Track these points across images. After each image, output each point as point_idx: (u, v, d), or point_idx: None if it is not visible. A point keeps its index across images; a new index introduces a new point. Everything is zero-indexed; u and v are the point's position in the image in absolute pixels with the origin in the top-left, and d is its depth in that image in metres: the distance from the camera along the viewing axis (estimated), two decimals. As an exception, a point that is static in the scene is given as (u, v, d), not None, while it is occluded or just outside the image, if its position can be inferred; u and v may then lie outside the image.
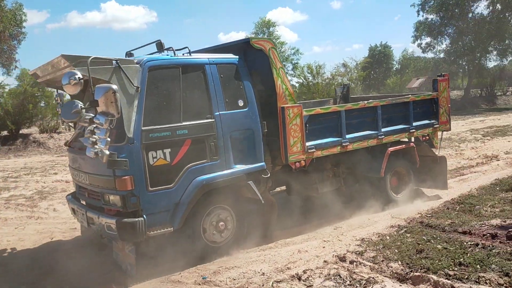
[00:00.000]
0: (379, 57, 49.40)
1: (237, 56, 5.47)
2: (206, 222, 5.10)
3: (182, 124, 4.80)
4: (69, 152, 5.63)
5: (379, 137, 6.64)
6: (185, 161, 4.83)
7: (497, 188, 7.38)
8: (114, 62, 4.33)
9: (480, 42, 33.13)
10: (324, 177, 6.46)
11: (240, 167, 5.25)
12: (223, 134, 5.10)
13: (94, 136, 4.07)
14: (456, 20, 33.35)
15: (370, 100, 6.80)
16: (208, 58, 5.21)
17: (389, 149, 6.82)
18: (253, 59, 5.53)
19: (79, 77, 3.98)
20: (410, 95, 7.46)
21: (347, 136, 6.26)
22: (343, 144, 6.22)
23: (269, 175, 5.57)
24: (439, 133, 7.62)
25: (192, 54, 5.22)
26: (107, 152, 4.14)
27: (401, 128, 7.01)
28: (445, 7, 32.50)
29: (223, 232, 5.23)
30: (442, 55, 36.26)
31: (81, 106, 4.07)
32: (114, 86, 4.05)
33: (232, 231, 5.31)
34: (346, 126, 6.24)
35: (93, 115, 4.05)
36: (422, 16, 35.22)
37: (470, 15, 33.61)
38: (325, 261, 4.60)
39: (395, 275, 4.14)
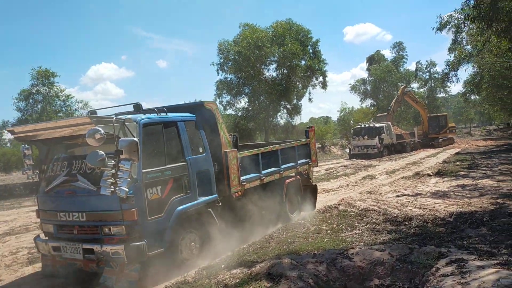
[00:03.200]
0: None
1: (194, 115, 7.18)
2: (182, 243, 6.43)
3: (167, 166, 6.24)
4: (47, 198, 6.35)
5: (280, 172, 9.25)
6: (170, 195, 6.22)
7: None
8: (118, 119, 5.49)
9: (271, 102, 35.91)
10: (252, 202, 8.31)
11: (202, 198, 6.85)
12: (192, 173, 6.67)
13: (112, 178, 5.06)
14: (251, 80, 35.46)
15: (273, 145, 9.43)
16: (178, 116, 6.81)
17: (286, 181, 9.36)
18: (203, 116, 7.27)
19: (102, 133, 4.99)
20: (295, 141, 10.29)
21: (263, 171, 8.64)
22: (261, 177, 8.60)
23: (220, 203, 7.38)
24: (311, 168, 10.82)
25: (161, 113, 6.57)
26: (127, 190, 5.15)
27: (292, 165, 9.73)
28: (241, 68, 34.23)
29: (193, 250, 6.65)
30: (239, 113, 37.97)
31: (105, 155, 5.06)
32: (136, 139, 5.26)
33: (198, 248, 6.74)
34: (262, 165, 8.59)
35: (116, 162, 5.09)
36: (221, 75, 36.40)
37: (263, 76, 36.33)
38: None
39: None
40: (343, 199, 11.58)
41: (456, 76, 20.82)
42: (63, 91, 31.03)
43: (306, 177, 10.50)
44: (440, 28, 20.55)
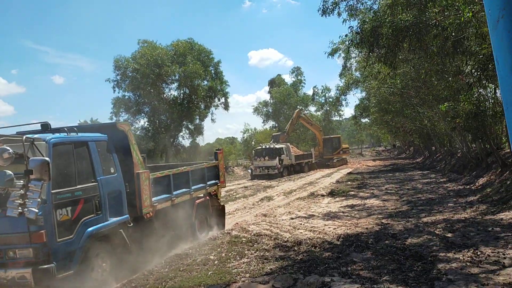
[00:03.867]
0: None
1: (106, 135, 7.02)
2: (95, 264, 6.25)
3: (77, 187, 6.07)
4: None
5: (191, 192, 9.28)
6: (81, 216, 6.03)
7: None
8: (28, 139, 5.40)
9: (172, 121, 34.83)
10: (163, 223, 8.26)
11: (114, 219, 6.68)
12: (103, 194, 6.50)
13: (20, 199, 4.94)
14: (151, 99, 34.08)
15: (184, 167, 9.50)
16: (89, 136, 6.67)
17: (196, 201, 9.51)
18: (116, 137, 7.20)
19: (11, 152, 5.02)
20: (204, 163, 10.56)
21: (174, 192, 8.65)
22: (172, 198, 8.59)
23: (132, 224, 7.18)
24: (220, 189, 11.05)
25: (71, 132, 6.39)
26: (36, 211, 5.02)
27: (201, 185, 9.85)
28: (139, 86, 32.73)
29: (104, 271, 6.44)
30: (138, 132, 36.13)
31: (13, 175, 4.99)
32: (47, 159, 5.19)
33: (108, 269, 6.52)
34: (173, 186, 8.64)
35: (26, 182, 4.98)
36: (118, 92, 34.45)
37: (164, 95, 35.14)
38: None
39: None
40: (237, 223, 11.15)
41: (345, 100, 22.07)
42: None
43: (215, 197, 10.69)
44: (332, 53, 21.74)
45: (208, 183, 10.13)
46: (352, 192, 16.06)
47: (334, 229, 9.37)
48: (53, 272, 5.42)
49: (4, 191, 5.31)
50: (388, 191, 15.72)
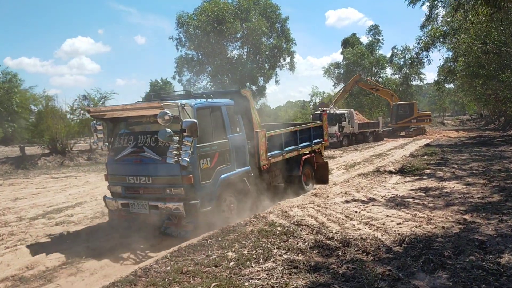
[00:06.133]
0: (160, 92, 46.00)
1: (232, 100, 8.44)
2: (224, 204, 7.73)
3: (214, 142, 7.54)
4: (116, 165, 7.68)
5: (299, 150, 10.58)
6: (216, 165, 7.52)
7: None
8: (180, 104, 6.70)
9: (235, 82, 33.26)
10: (275, 174, 9.92)
11: (239, 169, 8.15)
12: (231, 148, 7.95)
13: (176, 151, 6.33)
14: (213, 58, 32.64)
15: (294, 127, 10.77)
16: (221, 101, 8.10)
17: (303, 157, 10.76)
18: (239, 101, 8.54)
19: (170, 115, 6.30)
20: (311, 123, 11.90)
21: (285, 149, 9.91)
22: (284, 154, 9.86)
23: (252, 174, 8.60)
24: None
25: (208, 99, 7.83)
26: (188, 160, 6.47)
27: (307, 144, 11.09)
28: (201, 44, 31.29)
29: (232, 210, 7.93)
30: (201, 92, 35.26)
31: (171, 132, 6.29)
32: (195, 120, 6.55)
33: (235, 209, 8.02)
34: (284, 143, 9.91)
35: (181, 138, 6.36)
36: (181, 51, 33.40)
37: (227, 54, 33.51)
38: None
39: None
40: (279, 203, 9.33)
41: (428, 57, 18.54)
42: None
43: (319, 154, 11.80)
44: (413, 0, 18.03)
45: (314, 141, 11.38)
46: (428, 170, 13.38)
47: (398, 224, 7.19)
48: (198, 207, 6.98)
49: (163, 144, 6.90)
50: (474, 172, 12.83)
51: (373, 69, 50.75)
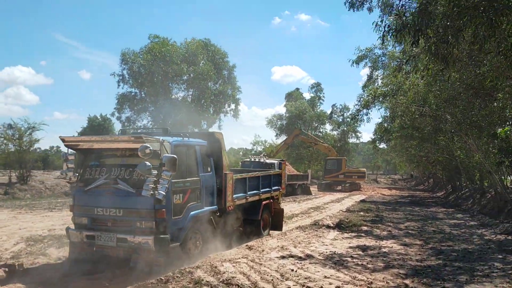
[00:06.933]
0: (97, 128, 43.50)
1: (206, 141, 8.87)
2: (190, 242, 7.88)
3: (187, 179, 7.82)
4: (85, 195, 7.63)
5: (260, 194, 11.01)
6: (187, 201, 7.78)
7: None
8: (161, 140, 7.00)
9: (177, 124, 32.35)
10: (237, 217, 10.04)
11: (207, 208, 8.46)
12: (202, 187, 8.28)
13: (153, 184, 6.53)
14: (158, 98, 31.72)
15: (257, 172, 11.56)
16: (195, 141, 8.56)
17: (263, 202, 11.10)
18: (211, 142, 8.94)
19: (151, 149, 6.58)
20: (271, 171, 12.87)
21: (248, 192, 10.38)
22: (247, 197, 10.29)
23: (218, 213, 9.02)
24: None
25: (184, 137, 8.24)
26: (164, 194, 6.70)
27: (267, 189, 11.51)
28: (144, 83, 30.40)
29: (197, 247, 8.12)
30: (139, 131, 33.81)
31: (151, 166, 6.55)
32: (175, 156, 6.79)
33: (200, 247, 8.20)
34: (248, 187, 10.37)
35: (160, 172, 6.60)
36: (123, 88, 32.22)
37: (172, 96, 32.78)
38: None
39: None
40: (209, 256, 8.42)
41: (367, 115, 19.17)
42: None
43: (277, 201, 12.18)
44: (358, 60, 18.91)
45: (273, 188, 11.82)
46: (365, 227, 13.14)
47: (337, 287, 6.55)
48: (168, 242, 7.02)
49: (138, 177, 7.04)
50: (409, 231, 12.78)
51: (314, 123, 52.32)
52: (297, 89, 58.18)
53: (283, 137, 55.04)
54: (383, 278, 7.14)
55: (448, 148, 20.62)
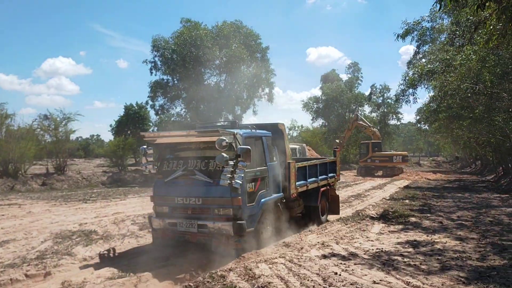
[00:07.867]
0: (133, 116, 43.97)
1: (270, 132, 9.35)
2: (262, 226, 8.42)
3: (257, 168, 8.31)
4: (165, 186, 8.26)
5: (318, 182, 11.48)
6: (258, 189, 8.29)
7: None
8: (235, 133, 7.55)
9: (210, 110, 31.84)
10: (299, 204, 10.44)
11: (275, 195, 9.00)
12: (269, 175, 8.77)
13: (230, 174, 7.06)
14: (190, 84, 31.22)
15: (315, 160, 12.19)
16: (262, 132, 9.00)
17: (321, 189, 11.57)
18: (275, 133, 9.58)
19: (227, 142, 7.11)
20: (327, 158, 13.10)
21: (308, 180, 10.85)
22: (307, 185, 10.76)
23: (284, 200, 9.51)
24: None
25: (252, 129, 8.89)
26: (240, 183, 7.22)
27: (324, 177, 11.97)
28: (175, 69, 29.92)
29: (268, 232, 8.66)
30: (173, 119, 33.43)
31: (228, 157, 7.16)
32: (249, 147, 7.30)
33: (270, 231, 8.75)
34: (308, 175, 10.84)
35: (236, 162, 7.13)
36: (156, 75, 31.93)
37: (205, 82, 32.19)
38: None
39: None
40: (243, 257, 7.74)
41: (413, 95, 17.69)
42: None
43: (332, 187, 12.54)
44: (404, 35, 17.43)
45: (329, 175, 12.26)
46: (413, 219, 12.06)
47: (388, 296, 5.68)
48: (245, 227, 7.60)
49: (213, 168, 7.75)
50: (463, 223, 11.59)
51: (352, 105, 50.50)
52: (334, 70, 56.37)
53: (320, 121, 53.71)
54: (442, 284, 6.19)
55: (502, 129, 18.85)
